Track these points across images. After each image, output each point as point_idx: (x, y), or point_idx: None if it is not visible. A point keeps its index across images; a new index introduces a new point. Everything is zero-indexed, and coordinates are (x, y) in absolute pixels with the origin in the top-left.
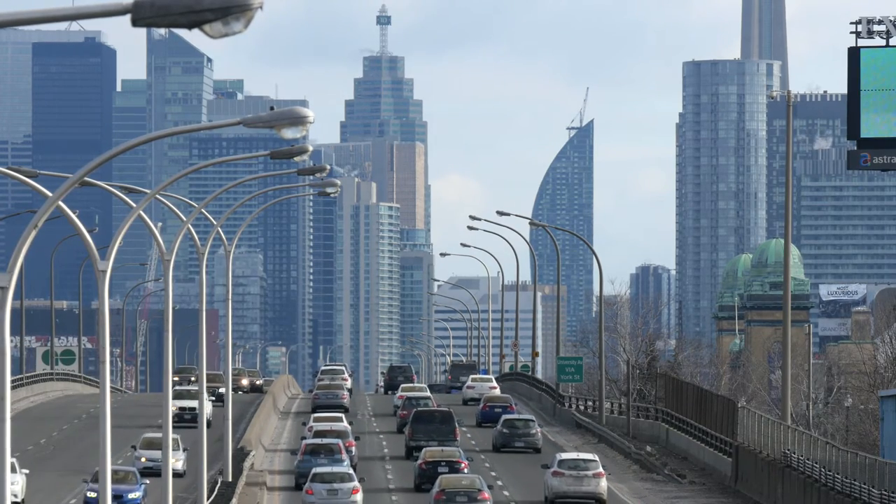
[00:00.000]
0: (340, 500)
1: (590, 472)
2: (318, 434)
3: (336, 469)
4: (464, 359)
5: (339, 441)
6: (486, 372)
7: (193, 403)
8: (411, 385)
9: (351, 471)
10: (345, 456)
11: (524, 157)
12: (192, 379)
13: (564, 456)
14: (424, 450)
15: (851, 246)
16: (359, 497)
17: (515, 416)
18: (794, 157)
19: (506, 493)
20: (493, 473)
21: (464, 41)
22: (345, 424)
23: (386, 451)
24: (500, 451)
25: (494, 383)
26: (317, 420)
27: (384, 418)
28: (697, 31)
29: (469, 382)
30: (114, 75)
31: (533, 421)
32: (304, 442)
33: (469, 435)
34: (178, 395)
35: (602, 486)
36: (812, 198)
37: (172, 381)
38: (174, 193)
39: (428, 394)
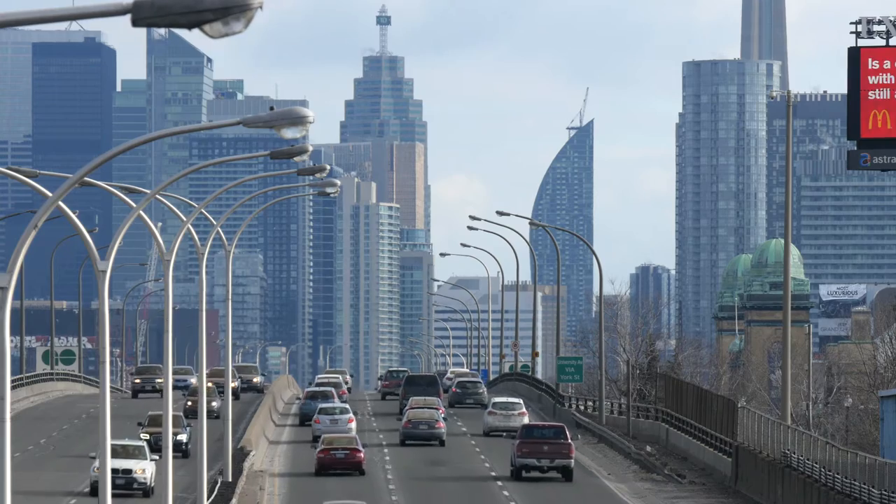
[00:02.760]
0: (340, 427)
1: (515, 412)
2: (318, 385)
3: (336, 404)
4: (463, 361)
5: (333, 389)
6: (476, 369)
7: (129, 465)
8: (395, 368)
9: (347, 406)
10: (337, 400)
11: (524, 157)
12: (159, 381)
13: (497, 400)
14: (411, 398)
15: (851, 246)
16: (353, 425)
17: (466, 379)
18: (794, 157)
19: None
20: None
21: (464, 41)
22: (340, 380)
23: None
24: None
25: (468, 370)
26: (319, 378)
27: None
28: (697, 31)
29: (448, 374)
30: (114, 75)
31: (480, 383)
32: (306, 389)
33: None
34: (113, 454)
35: (525, 422)
36: (812, 198)
37: (134, 382)
38: (174, 193)
39: (406, 369)
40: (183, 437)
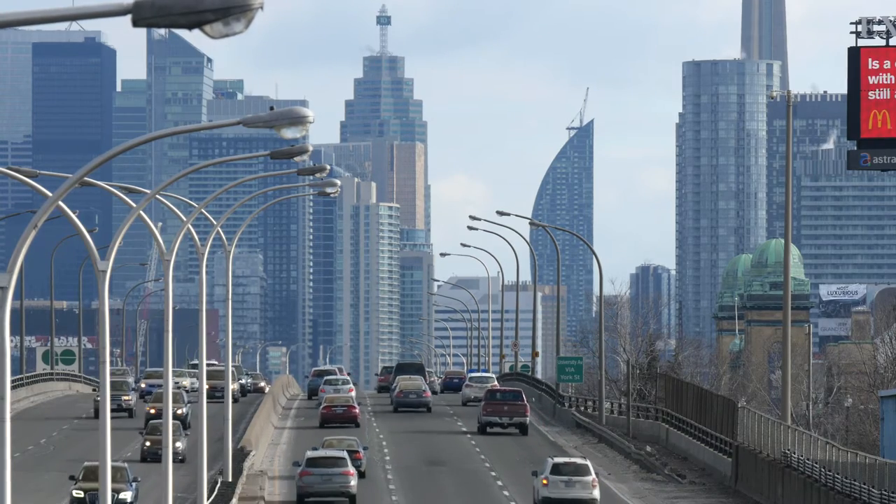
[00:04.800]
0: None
1: (488, 385)
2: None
3: (339, 377)
4: (463, 361)
5: (336, 367)
6: (475, 370)
7: None
8: (390, 364)
9: (348, 378)
10: (339, 375)
11: (524, 157)
12: (126, 399)
13: (474, 375)
14: (399, 377)
15: (851, 246)
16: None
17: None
18: (794, 157)
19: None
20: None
21: (464, 41)
22: (339, 366)
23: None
24: None
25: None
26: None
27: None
28: (698, 31)
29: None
30: (114, 75)
31: (433, 372)
32: (313, 369)
33: None
34: None
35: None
36: (812, 198)
37: (96, 400)
38: (174, 193)
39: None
40: (126, 496)
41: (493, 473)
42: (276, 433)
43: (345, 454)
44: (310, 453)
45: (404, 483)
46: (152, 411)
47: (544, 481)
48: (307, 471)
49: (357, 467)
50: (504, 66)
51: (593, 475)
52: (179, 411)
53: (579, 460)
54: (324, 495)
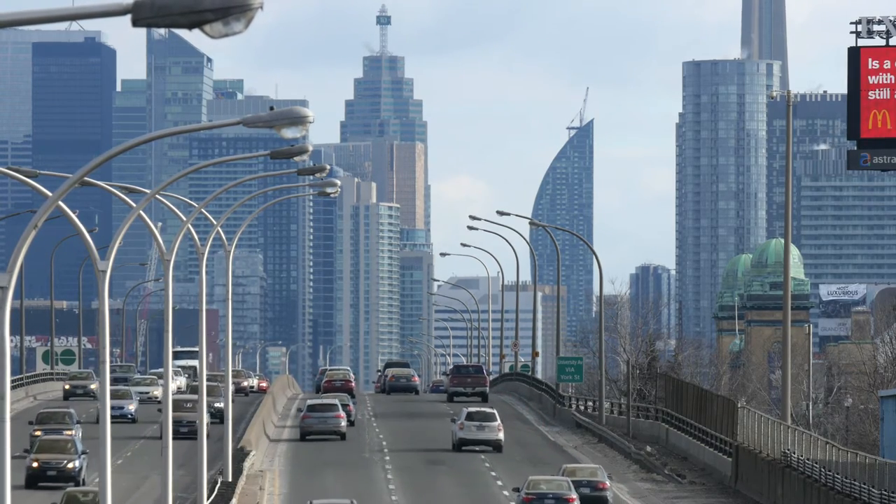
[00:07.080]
0: (340, 370)
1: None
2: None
3: (341, 367)
4: (463, 361)
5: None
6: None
7: None
8: None
9: (349, 369)
10: (342, 367)
11: (524, 157)
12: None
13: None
14: (388, 369)
15: (851, 246)
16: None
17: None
18: (794, 157)
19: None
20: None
21: (464, 41)
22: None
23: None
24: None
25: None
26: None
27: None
28: (698, 31)
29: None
30: (114, 75)
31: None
32: (321, 368)
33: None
34: None
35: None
36: (812, 198)
37: (33, 435)
38: (174, 193)
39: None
40: None
41: (493, 473)
42: (276, 432)
43: (337, 402)
44: (310, 401)
45: (404, 483)
46: (50, 459)
47: (460, 426)
48: (307, 414)
49: (347, 415)
50: (504, 66)
51: (499, 422)
52: (70, 465)
53: (488, 409)
54: (320, 433)
